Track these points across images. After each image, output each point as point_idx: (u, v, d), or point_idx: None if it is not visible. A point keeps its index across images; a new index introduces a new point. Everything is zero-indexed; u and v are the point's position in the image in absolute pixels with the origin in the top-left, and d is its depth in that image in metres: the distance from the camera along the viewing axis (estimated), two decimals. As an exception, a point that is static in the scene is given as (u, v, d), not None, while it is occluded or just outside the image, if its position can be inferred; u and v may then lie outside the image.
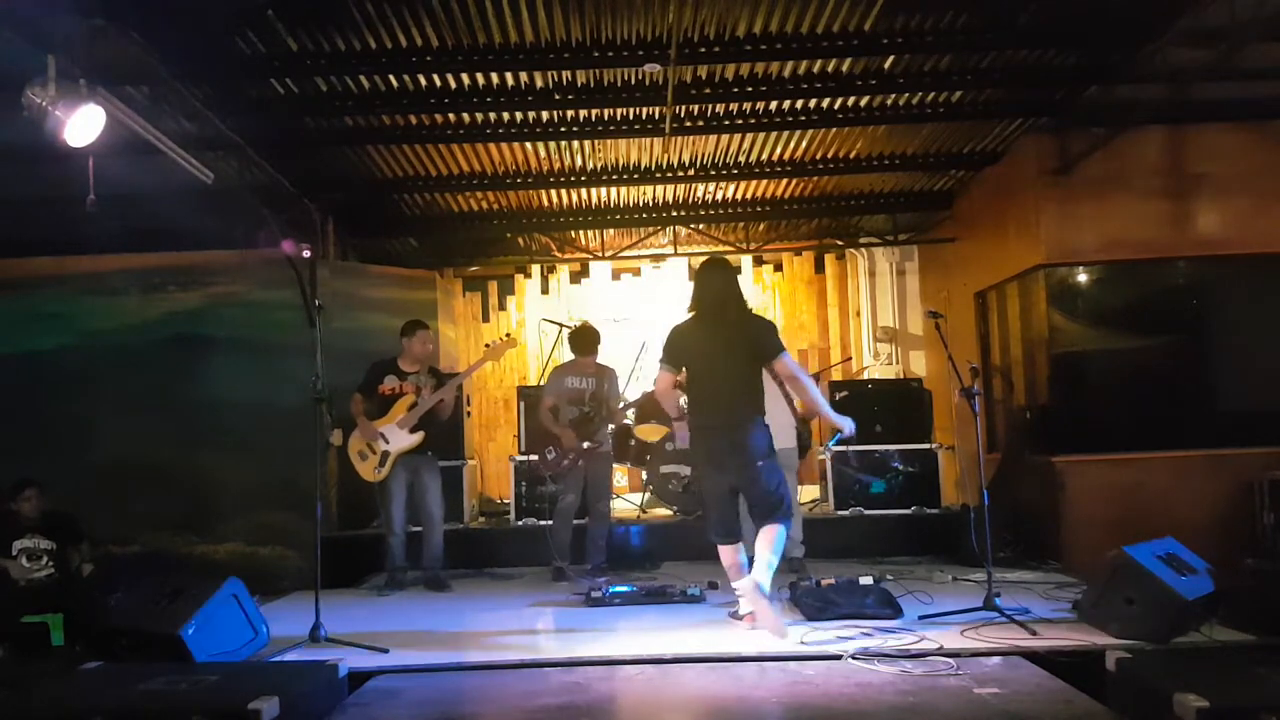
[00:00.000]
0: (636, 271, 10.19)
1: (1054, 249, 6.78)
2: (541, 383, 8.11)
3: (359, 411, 6.25)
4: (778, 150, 7.46)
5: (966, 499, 7.25)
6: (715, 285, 4.92)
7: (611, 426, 6.85)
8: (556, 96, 6.23)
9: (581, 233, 9.67)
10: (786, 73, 6.08)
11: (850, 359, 9.91)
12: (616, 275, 10.18)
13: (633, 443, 7.83)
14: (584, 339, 6.71)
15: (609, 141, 7.14)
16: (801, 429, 6.30)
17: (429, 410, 6.22)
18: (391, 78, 5.91)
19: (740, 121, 6.77)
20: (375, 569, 6.71)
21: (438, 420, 6.29)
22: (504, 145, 7.11)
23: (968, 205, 8.44)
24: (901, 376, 9.56)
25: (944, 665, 4.09)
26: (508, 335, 6.99)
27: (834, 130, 7.04)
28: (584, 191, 8.41)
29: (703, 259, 5.85)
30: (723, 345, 4.81)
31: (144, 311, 7.32)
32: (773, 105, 6.53)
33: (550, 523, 6.60)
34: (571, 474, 6.54)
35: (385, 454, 6.19)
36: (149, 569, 6.20)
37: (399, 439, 6.19)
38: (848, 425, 4.89)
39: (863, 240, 9.97)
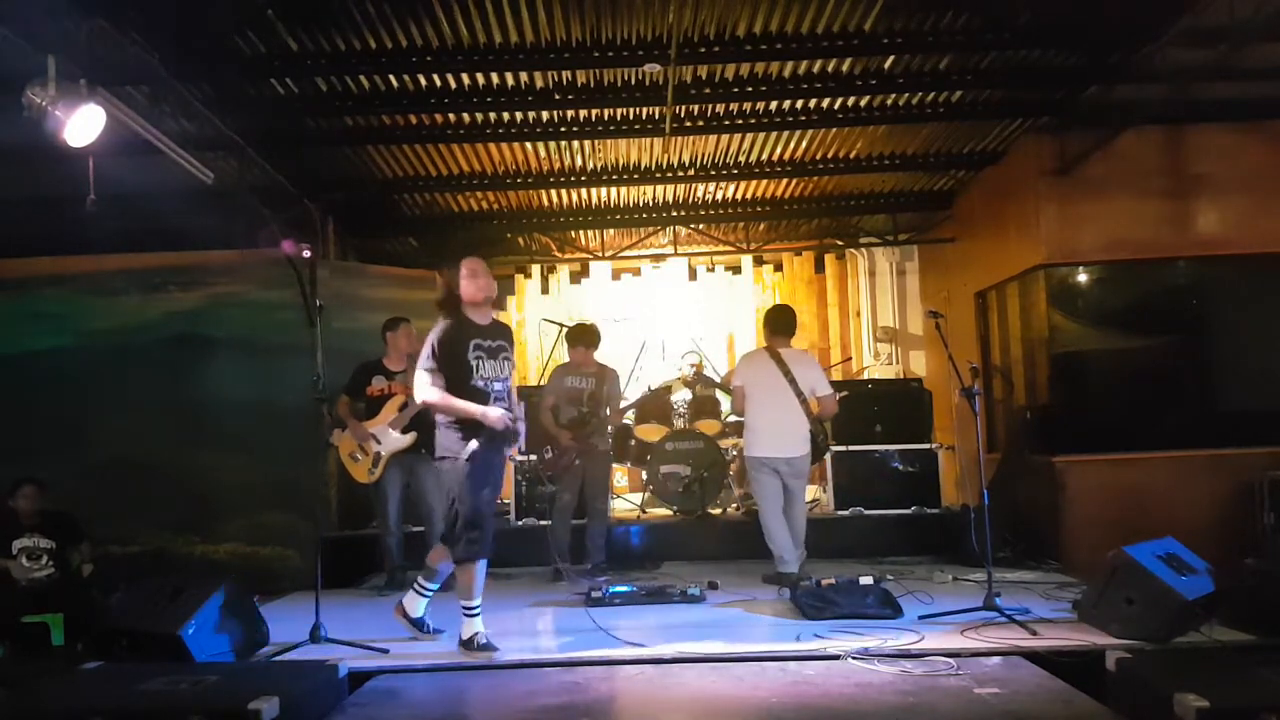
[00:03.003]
0: (636, 271, 10.20)
1: (1054, 249, 6.78)
2: (541, 383, 8.14)
3: (347, 413, 6.25)
4: (778, 150, 7.46)
5: (966, 499, 7.25)
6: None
7: (612, 428, 6.84)
8: (556, 96, 6.24)
9: (581, 233, 9.68)
10: (786, 73, 6.08)
11: (850, 359, 9.91)
12: (616, 275, 10.18)
13: (633, 443, 7.85)
14: (579, 333, 6.69)
15: (609, 141, 7.14)
16: (816, 430, 6.23)
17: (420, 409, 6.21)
18: (391, 78, 5.92)
19: (740, 121, 6.77)
20: (375, 569, 6.71)
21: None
22: (504, 145, 7.12)
23: (968, 205, 8.44)
24: (901, 376, 9.57)
25: (944, 665, 4.10)
26: None
27: (834, 130, 7.05)
28: (584, 191, 8.41)
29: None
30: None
31: (144, 311, 7.31)
32: (773, 105, 6.53)
33: (549, 523, 6.60)
34: (569, 474, 6.53)
35: (378, 455, 6.18)
36: (149, 569, 6.21)
37: (391, 440, 6.18)
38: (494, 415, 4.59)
39: (863, 240, 9.98)
